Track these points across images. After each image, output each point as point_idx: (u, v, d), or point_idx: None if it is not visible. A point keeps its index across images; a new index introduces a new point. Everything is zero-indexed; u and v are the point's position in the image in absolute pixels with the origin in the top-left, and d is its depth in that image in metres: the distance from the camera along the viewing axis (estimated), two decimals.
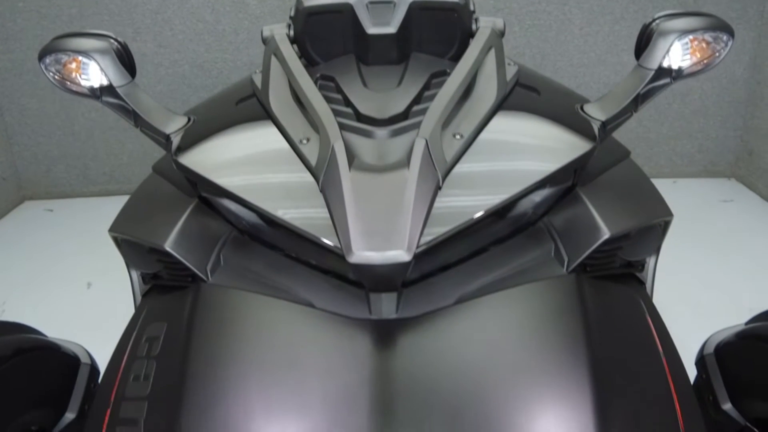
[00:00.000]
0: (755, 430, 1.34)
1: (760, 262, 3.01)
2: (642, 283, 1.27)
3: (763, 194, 3.65)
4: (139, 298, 1.33)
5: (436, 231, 1.02)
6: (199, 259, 1.17)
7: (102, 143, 3.87)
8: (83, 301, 2.89)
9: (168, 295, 1.20)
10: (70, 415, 1.40)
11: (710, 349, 1.46)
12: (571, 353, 0.98)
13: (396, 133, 1.10)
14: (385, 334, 1.01)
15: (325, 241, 1.02)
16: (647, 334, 1.09)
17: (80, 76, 1.21)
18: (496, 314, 1.05)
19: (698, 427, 1.01)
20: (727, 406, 1.37)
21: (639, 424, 0.95)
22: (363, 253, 0.91)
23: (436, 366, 0.97)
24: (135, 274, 1.33)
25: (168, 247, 1.17)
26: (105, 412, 1.02)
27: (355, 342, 1.00)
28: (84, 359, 1.49)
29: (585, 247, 1.13)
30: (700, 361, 1.46)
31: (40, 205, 3.91)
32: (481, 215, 1.05)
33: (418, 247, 0.94)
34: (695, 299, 2.67)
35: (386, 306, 1.04)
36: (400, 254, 0.91)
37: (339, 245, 0.94)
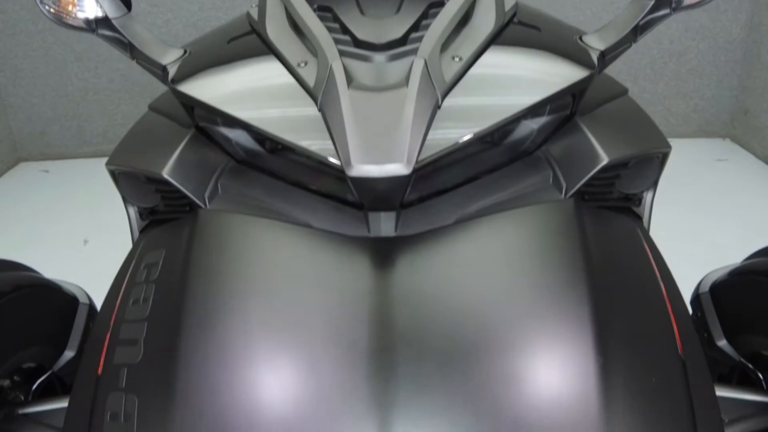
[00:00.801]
0: (749, 365, 1.37)
1: (752, 219, 3.04)
2: (639, 217, 1.29)
3: (757, 153, 3.67)
4: (136, 234, 1.34)
5: (435, 148, 1.03)
6: (197, 187, 1.18)
7: (96, 104, 3.85)
8: (80, 257, 2.90)
9: (166, 225, 1.21)
10: (69, 353, 1.42)
11: (705, 287, 1.48)
12: (570, 276, 0.99)
13: (394, 58, 1.10)
14: (383, 251, 1.02)
15: (325, 156, 1.02)
16: (646, 263, 1.11)
17: (75, 9, 1.20)
18: (495, 234, 1.06)
19: (698, 356, 1.03)
20: (722, 343, 1.39)
21: (639, 351, 0.97)
22: (362, 167, 0.92)
23: (434, 283, 0.98)
24: (132, 211, 1.33)
25: (166, 174, 1.17)
26: (105, 334, 1.03)
27: (354, 259, 1.01)
28: (82, 299, 1.51)
29: (583, 174, 1.14)
30: (696, 299, 1.48)
31: (36, 166, 3.90)
32: (481, 133, 1.06)
33: (417, 162, 0.94)
34: (688, 252, 2.70)
35: (385, 225, 1.05)
36: (400, 168, 0.92)
37: (339, 161, 0.94)
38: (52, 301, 1.44)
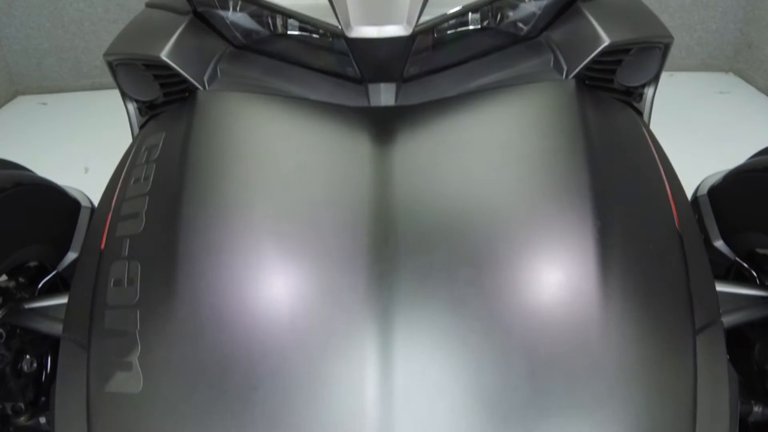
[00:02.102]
0: (744, 264, 1.39)
1: (752, 148, 3.03)
2: (640, 113, 1.29)
3: (760, 86, 3.64)
4: (136, 130, 1.34)
5: (436, 13, 1.02)
6: (196, 70, 1.18)
7: (92, 35, 3.80)
8: (81, 184, 2.90)
9: (166, 112, 1.21)
10: (72, 255, 1.43)
11: (704, 190, 1.49)
12: (570, 151, 0.99)
13: None
14: (383, 119, 1.03)
15: (324, 21, 1.01)
16: (646, 150, 1.11)
17: None
18: (496, 107, 1.06)
19: (697, 244, 1.04)
20: (719, 243, 1.41)
21: (636, 221, 0.98)
22: (362, 28, 0.92)
23: (434, 149, 0.99)
24: (132, 107, 1.34)
25: (164, 56, 1.17)
26: (107, 213, 1.04)
27: (354, 127, 1.02)
28: (84, 203, 1.52)
29: (584, 56, 1.14)
30: (694, 202, 1.50)
31: (34, 99, 3.87)
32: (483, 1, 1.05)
33: (417, 25, 0.94)
34: (685, 181, 2.70)
35: (385, 96, 1.06)
36: (399, 29, 0.92)
37: (338, 24, 0.94)
38: (54, 202, 1.45)
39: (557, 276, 0.88)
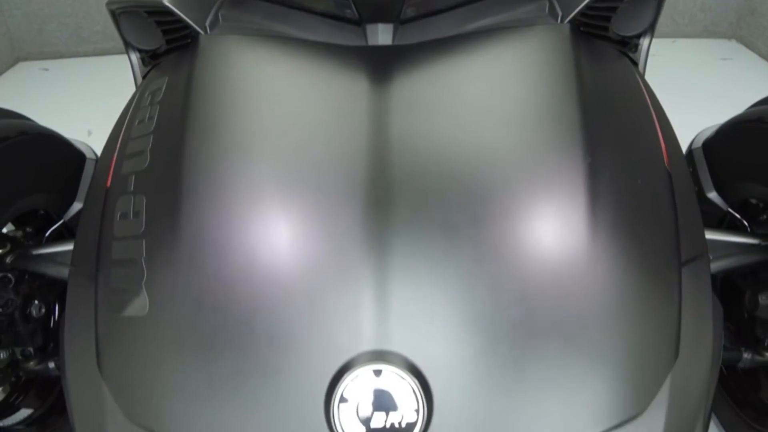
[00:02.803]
0: (736, 215, 1.42)
1: None
2: (635, 63, 1.30)
3: (762, 53, 3.63)
4: (140, 80, 1.36)
5: None
6: (198, 16, 1.20)
7: (93, 0, 3.79)
8: None
9: (168, 58, 1.24)
10: (78, 205, 1.46)
11: (698, 143, 1.51)
12: (563, 95, 1.01)
13: None
14: (381, 58, 1.05)
15: None
16: (639, 95, 1.13)
17: None
18: (492, 49, 1.08)
19: (686, 184, 1.06)
20: (712, 194, 1.44)
21: (625, 158, 1.00)
22: None
23: (430, 88, 1.01)
24: (135, 57, 1.35)
25: (167, 1, 1.18)
26: (113, 154, 1.07)
27: (352, 66, 1.04)
28: (90, 156, 1.54)
29: (579, 0, 1.15)
30: (688, 155, 1.52)
31: (35, 65, 3.88)
32: None
33: None
34: (684, 143, 2.71)
35: (382, 36, 1.08)
36: None
37: None
38: (59, 152, 1.47)
39: (548, 205, 0.91)
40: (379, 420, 0.77)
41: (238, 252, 0.88)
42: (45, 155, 1.42)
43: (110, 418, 0.84)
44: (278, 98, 1.03)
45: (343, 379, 0.78)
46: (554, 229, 0.88)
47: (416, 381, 0.78)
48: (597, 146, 0.96)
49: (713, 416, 1.52)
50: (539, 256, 0.87)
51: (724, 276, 1.47)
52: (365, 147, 0.94)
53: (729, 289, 1.46)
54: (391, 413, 0.77)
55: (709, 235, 1.21)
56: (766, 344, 1.32)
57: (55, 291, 1.43)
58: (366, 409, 0.77)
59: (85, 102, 3.32)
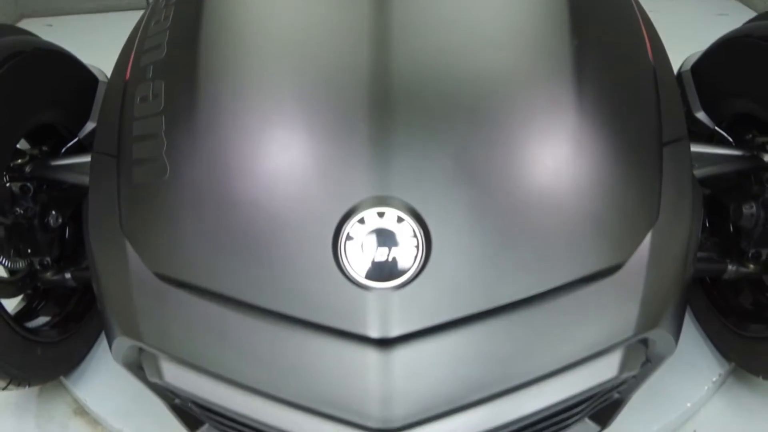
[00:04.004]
0: (723, 133, 1.48)
1: None
2: None
3: (758, 8, 3.67)
4: None
5: None
6: None
7: None
8: None
9: None
10: (91, 124, 1.52)
11: (687, 66, 1.57)
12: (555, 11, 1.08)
13: None
14: None
15: None
16: (632, 17, 1.19)
17: None
18: None
19: (668, 78, 1.13)
20: (700, 114, 1.50)
21: (613, 60, 1.07)
22: None
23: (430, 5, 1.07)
24: None
25: None
26: (130, 51, 1.13)
27: None
28: (102, 79, 1.60)
29: None
30: (678, 78, 1.57)
31: (40, 21, 3.90)
32: None
33: None
34: None
35: None
36: None
37: None
38: (73, 71, 1.52)
39: (539, 81, 0.98)
40: (381, 254, 0.85)
41: (251, 118, 0.95)
42: (59, 72, 1.46)
43: (134, 271, 0.92)
44: (287, 12, 1.09)
45: (349, 220, 0.86)
46: (545, 100, 0.96)
47: (415, 222, 0.86)
48: (583, 33, 1.03)
49: (700, 329, 1.60)
50: (532, 122, 0.94)
51: (711, 195, 1.54)
52: (368, 38, 1.01)
53: (716, 208, 1.53)
54: (393, 249, 0.85)
55: (697, 149, 1.28)
56: (749, 255, 1.38)
57: (72, 204, 1.49)
58: (370, 246, 0.86)
59: (89, 58, 3.35)
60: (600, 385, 0.92)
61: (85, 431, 1.52)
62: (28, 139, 1.48)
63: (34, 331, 1.44)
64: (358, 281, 0.85)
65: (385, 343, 0.84)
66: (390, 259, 0.85)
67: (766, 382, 1.51)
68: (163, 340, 0.90)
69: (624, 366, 0.91)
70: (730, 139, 1.46)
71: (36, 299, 1.54)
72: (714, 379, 1.49)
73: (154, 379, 0.95)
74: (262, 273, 0.86)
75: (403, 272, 0.85)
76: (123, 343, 0.96)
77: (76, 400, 1.57)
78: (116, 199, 0.97)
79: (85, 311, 1.60)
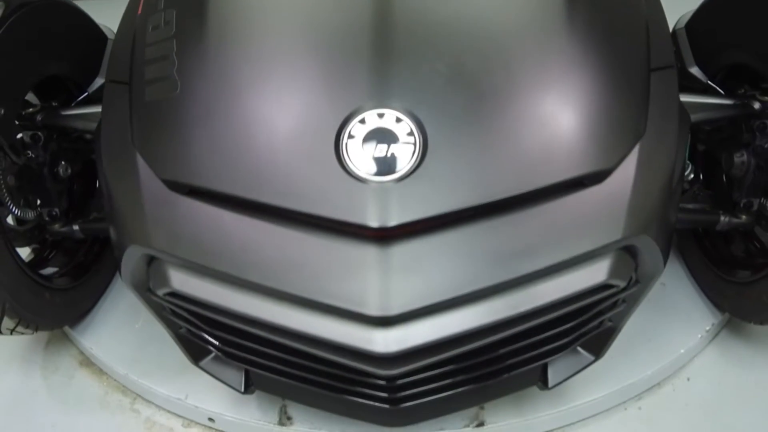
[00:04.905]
0: (716, 87, 1.51)
1: None
2: None
3: None
4: None
5: None
6: None
7: None
8: None
9: None
10: (100, 80, 1.55)
11: (681, 24, 1.61)
12: None
13: None
14: None
15: None
16: None
17: None
18: None
19: (661, 23, 1.17)
20: (693, 69, 1.53)
21: (607, 25, 1.11)
22: None
23: None
24: None
25: None
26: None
27: None
28: (111, 37, 1.63)
29: None
30: (672, 36, 1.61)
31: None
32: None
33: None
34: None
35: None
36: None
37: None
38: (83, 26, 1.55)
39: (532, 8, 1.03)
40: (381, 151, 0.90)
41: (260, 34, 1.00)
42: (69, 25, 1.49)
43: (144, 181, 0.96)
44: None
45: (350, 121, 0.92)
46: (540, 21, 1.01)
47: (413, 122, 0.91)
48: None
49: (694, 282, 1.63)
50: (527, 38, 1.00)
51: (705, 150, 1.58)
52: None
53: (710, 163, 1.57)
54: (392, 146, 0.91)
55: (690, 98, 1.31)
56: (741, 206, 1.42)
57: (81, 157, 1.53)
58: (370, 143, 0.91)
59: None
60: (590, 291, 0.96)
61: (90, 381, 1.56)
62: (38, 94, 1.52)
63: (46, 277, 1.47)
64: (358, 175, 0.91)
65: (384, 238, 0.90)
66: (389, 155, 0.90)
67: (759, 333, 1.54)
68: (171, 243, 0.94)
69: (613, 271, 0.95)
70: (723, 93, 1.50)
71: (46, 249, 1.58)
72: (707, 328, 1.52)
73: (162, 290, 0.99)
74: (268, 171, 0.92)
75: (401, 167, 0.91)
76: (133, 253, 1.00)
77: (81, 352, 1.61)
78: (128, 118, 1.02)
79: (91, 263, 1.63)
